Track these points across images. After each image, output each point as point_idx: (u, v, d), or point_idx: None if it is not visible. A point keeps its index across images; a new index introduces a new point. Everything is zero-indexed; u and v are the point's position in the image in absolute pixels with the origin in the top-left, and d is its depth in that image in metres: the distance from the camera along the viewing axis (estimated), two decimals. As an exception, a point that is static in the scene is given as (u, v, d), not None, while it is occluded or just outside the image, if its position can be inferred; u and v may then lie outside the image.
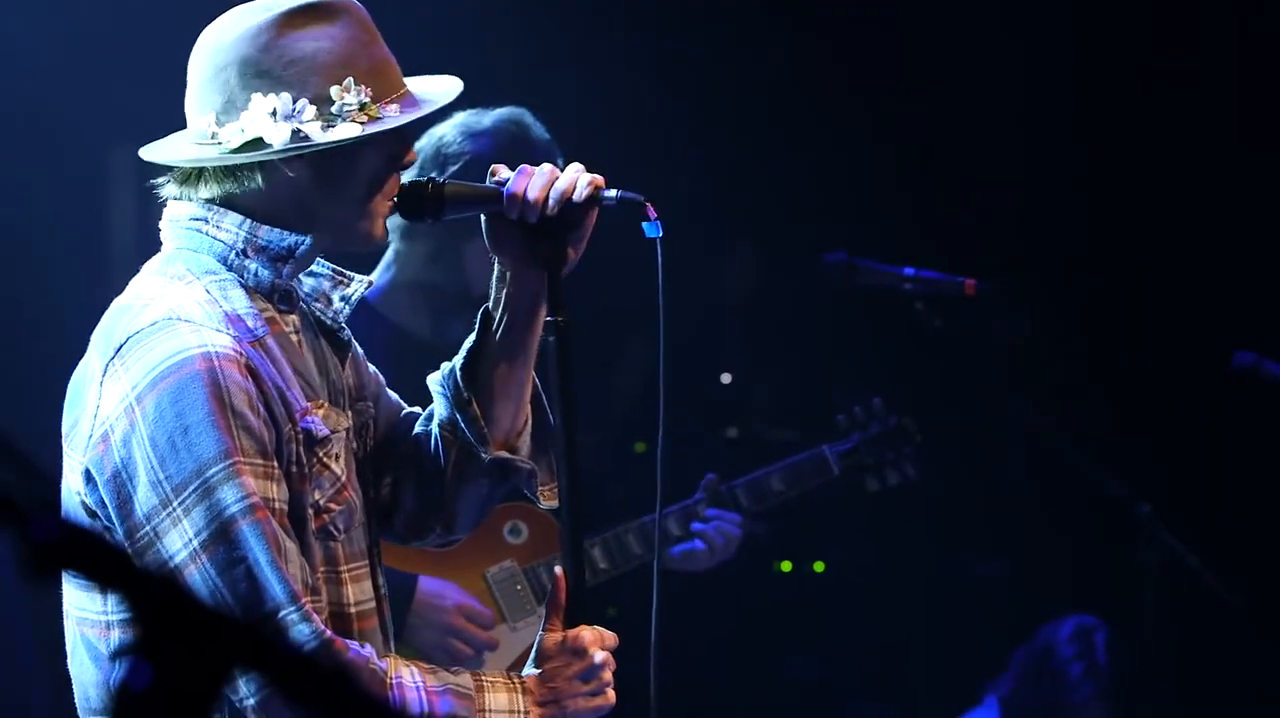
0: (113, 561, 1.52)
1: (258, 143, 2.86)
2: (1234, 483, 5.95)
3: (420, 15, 4.46)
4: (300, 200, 2.92)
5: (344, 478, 2.94)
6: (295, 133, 2.85)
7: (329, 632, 2.80)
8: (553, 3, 5.75)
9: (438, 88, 3.02)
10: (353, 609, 2.94)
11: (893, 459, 5.02)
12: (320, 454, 2.90)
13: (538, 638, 3.01)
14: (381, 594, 3.04)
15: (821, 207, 5.97)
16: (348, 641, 2.84)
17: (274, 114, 2.85)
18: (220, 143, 2.88)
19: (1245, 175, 5.93)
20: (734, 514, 4.84)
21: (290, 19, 2.90)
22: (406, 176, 3.03)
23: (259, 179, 2.90)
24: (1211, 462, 5.95)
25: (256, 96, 2.86)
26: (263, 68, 2.87)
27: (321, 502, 2.89)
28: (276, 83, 2.87)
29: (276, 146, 2.85)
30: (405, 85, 2.96)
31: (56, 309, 4.46)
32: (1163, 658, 5.10)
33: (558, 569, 3.03)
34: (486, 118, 4.31)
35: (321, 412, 2.93)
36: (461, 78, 3.04)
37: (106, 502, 2.79)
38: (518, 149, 4.18)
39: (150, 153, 2.95)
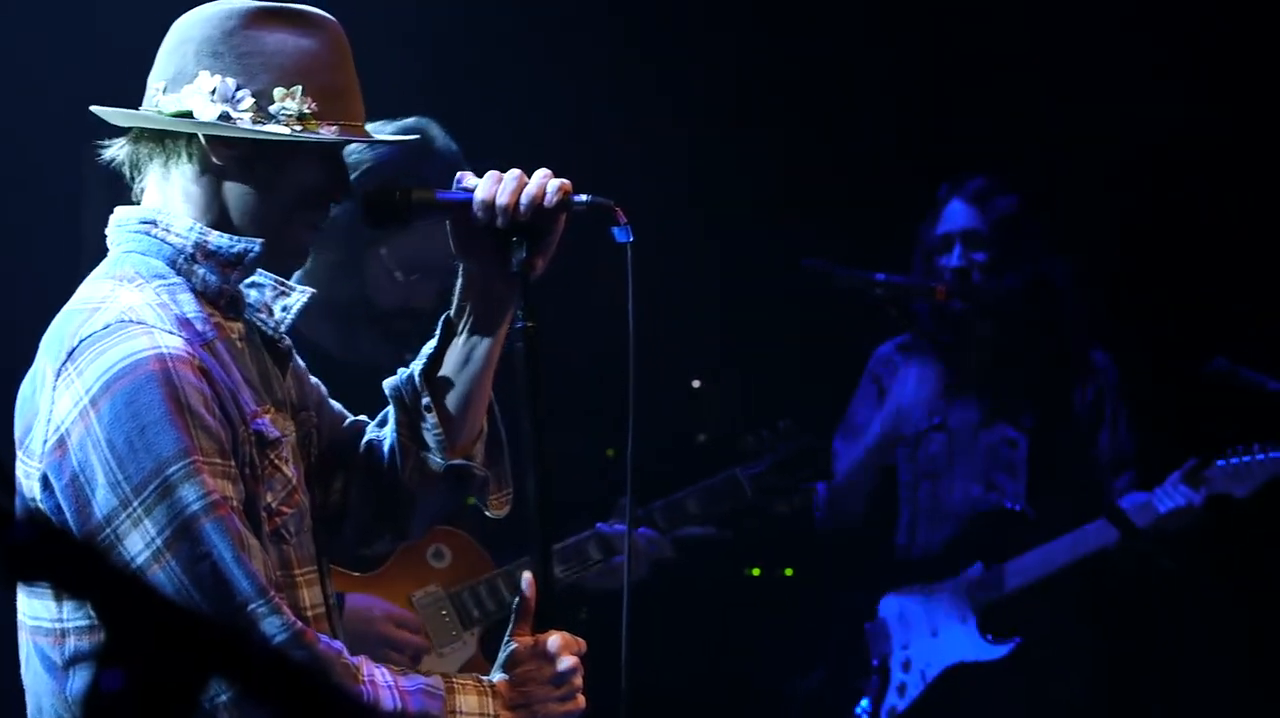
0: (88, 563, 1.50)
1: (187, 115, 2.86)
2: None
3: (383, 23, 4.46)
4: (227, 198, 2.89)
5: (295, 481, 2.93)
6: (223, 115, 2.85)
7: (299, 623, 2.78)
8: (517, 9, 5.75)
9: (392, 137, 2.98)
10: (309, 613, 2.93)
11: (801, 482, 5.01)
12: (272, 456, 2.88)
13: (507, 643, 3.00)
14: (331, 603, 3.03)
15: (796, 209, 5.98)
16: (319, 634, 2.83)
17: (213, 93, 2.85)
18: (160, 110, 2.88)
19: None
20: (650, 531, 4.83)
21: (264, 15, 2.89)
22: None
23: (184, 158, 2.88)
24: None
25: (204, 74, 2.85)
26: (218, 49, 2.86)
27: (274, 504, 2.88)
28: (227, 67, 2.85)
29: (199, 120, 2.84)
30: (361, 120, 2.93)
31: (29, 313, 4.44)
32: (1167, 659, 5.14)
33: (527, 574, 3.01)
34: (389, 126, 4.13)
35: (270, 415, 2.92)
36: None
37: (64, 507, 2.75)
38: (420, 157, 4.09)
39: (100, 109, 2.93)
